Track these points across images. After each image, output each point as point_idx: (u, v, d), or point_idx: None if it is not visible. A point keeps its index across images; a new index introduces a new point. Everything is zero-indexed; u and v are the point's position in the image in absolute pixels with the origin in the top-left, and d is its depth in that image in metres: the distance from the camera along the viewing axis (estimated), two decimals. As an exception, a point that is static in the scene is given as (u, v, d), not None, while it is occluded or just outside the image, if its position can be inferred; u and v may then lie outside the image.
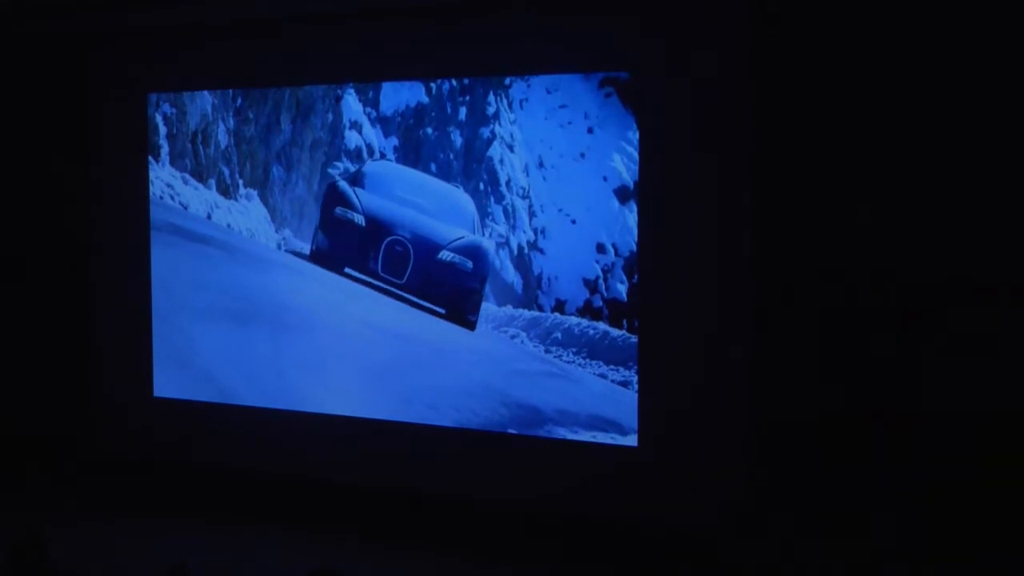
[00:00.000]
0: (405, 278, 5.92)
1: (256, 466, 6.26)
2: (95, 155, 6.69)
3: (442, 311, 5.89)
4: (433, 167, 5.86)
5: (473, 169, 5.77)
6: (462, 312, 5.80)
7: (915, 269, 4.91)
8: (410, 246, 5.89)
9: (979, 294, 4.81)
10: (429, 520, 5.82)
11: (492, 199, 5.75)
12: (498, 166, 5.71)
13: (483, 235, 5.75)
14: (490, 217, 5.75)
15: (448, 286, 5.82)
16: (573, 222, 5.56)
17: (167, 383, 6.58)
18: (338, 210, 6.13)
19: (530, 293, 5.67)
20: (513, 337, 5.70)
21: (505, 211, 5.71)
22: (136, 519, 6.10)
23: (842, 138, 4.99)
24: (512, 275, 5.71)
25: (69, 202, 6.77)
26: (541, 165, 5.61)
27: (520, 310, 5.70)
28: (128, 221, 6.57)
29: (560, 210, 5.60)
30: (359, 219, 6.05)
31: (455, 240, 5.81)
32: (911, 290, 4.92)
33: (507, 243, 5.73)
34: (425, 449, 5.84)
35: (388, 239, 5.96)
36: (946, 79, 4.82)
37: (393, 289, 5.97)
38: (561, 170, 5.57)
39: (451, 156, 5.83)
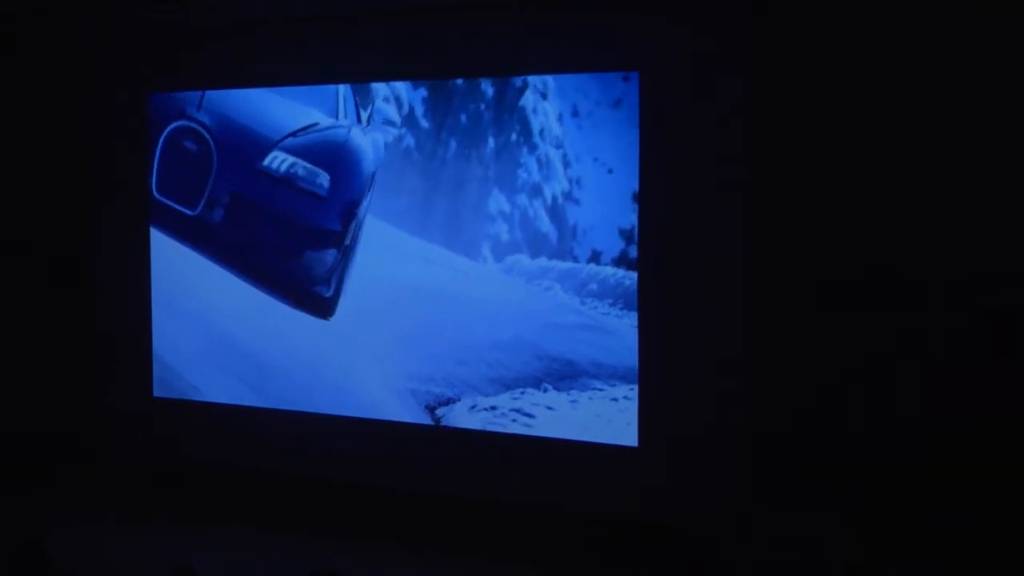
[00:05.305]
0: (199, 206, 4.03)
1: (256, 466, 6.26)
2: (95, 155, 6.69)
3: (288, 300, 3.88)
4: (463, 118, 5.61)
5: (505, 120, 5.57)
6: (304, 284, 3.74)
7: (917, 269, 4.91)
8: (211, 141, 3.98)
9: (980, 294, 4.81)
10: (429, 520, 5.81)
11: (525, 149, 5.52)
12: (531, 115, 5.50)
13: (364, 125, 3.85)
14: (523, 168, 5.26)
15: (280, 227, 3.78)
16: (609, 171, 5.35)
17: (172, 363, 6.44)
18: None
19: (565, 244, 5.43)
20: (547, 289, 5.48)
21: (539, 161, 5.50)
22: (136, 519, 6.10)
23: (845, 136, 4.99)
24: (547, 225, 5.46)
25: (69, 202, 6.77)
26: (575, 114, 5.42)
27: (554, 261, 5.45)
28: (128, 221, 6.57)
29: (595, 159, 5.39)
30: None
31: (300, 132, 3.94)
32: (912, 290, 4.92)
33: (540, 191, 5.22)
34: (425, 449, 5.84)
35: (172, 126, 4.01)
36: (949, 77, 4.82)
37: (175, 238, 3.74)
38: (596, 118, 5.39)
39: (482, 106, 5.59)
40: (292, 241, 4.06)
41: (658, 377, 5.28)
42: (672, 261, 5.22)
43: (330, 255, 4.12)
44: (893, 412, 4.95)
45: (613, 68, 5.32)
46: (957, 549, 4.77)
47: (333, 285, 4.04)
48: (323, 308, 4.66)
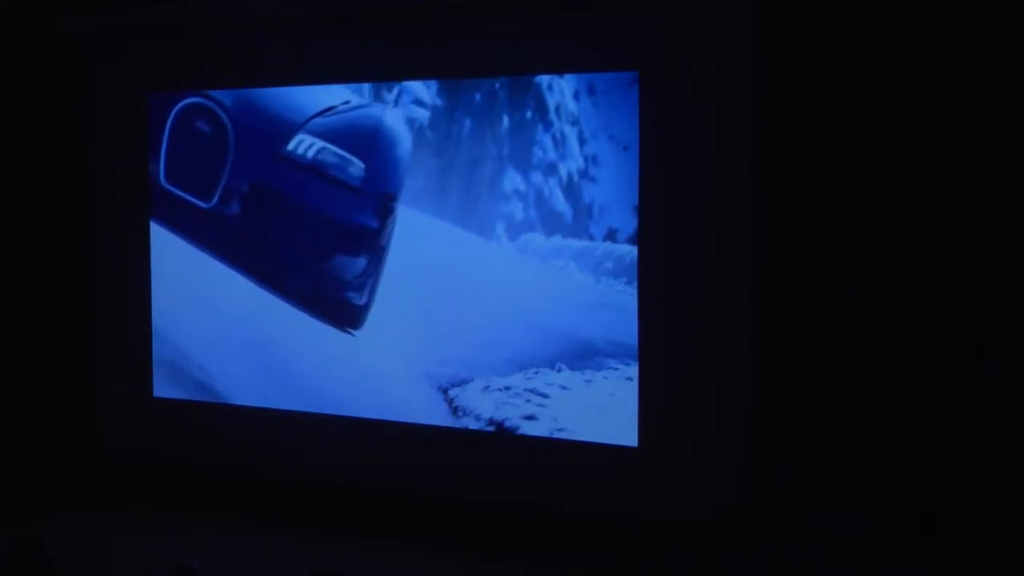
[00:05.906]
0: (214, 197, 3.60)
1: (256, 466, 6.26)
2: (95, 155, 6.69)
3: (313, 309, 3.50)
4: (478, 96, 5.52)
5: (520, 97, 5.47)
6: (335, 290, 3.40)
7: (919, 265, 4.91)
8: (226, 119, 3.56)
9: (981, 292, 4.81)
10: (429, 520, 5.81)
11: (540, 127, 5.45)
12: (546, 93, 5.42)
13: (392, 105, 3.38)
14: (538, 146, 5.14)
15: (307, 223, 3.45)
16: (625, 149, 5.27)
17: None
18: None
19: (580, 222, 5.33)
20: (562, 268, 5.38)
21: (554, 139, 5.41)
22: (136, 519, 6.10)
23: (844, 130, 4.99)
24: (562, 204, 5.36)
25: (69, 202, 6.77)
26: (592, 91, 5.35)
27: (569, 240, 5.35)
28: (128, 221, 6.57)
29: (611, 137, 5.29)
30: None
31: (327, 112, 3.55)
32: (914, 288, 4.92)
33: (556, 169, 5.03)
34: (425, 449, 5.84)
35: (182, 103, 3.58)
36: (951, 68, 4.82)
37: (184, 238, 3.30)
38: (613, 96, 5.30)
39: (496, 85, 5.50)
40: (321, 240, 3.62)
41: (658, 378, 5.28)
42: (672, 261, 5.22)
43: (364, 257, 3.70)
44: (894, 411, 4.95)
45: (613, 68, 5.31)
46: (957, 549, 4.77)
47: (367, 291, 3.59)
48: (353, 318, 4.26)
